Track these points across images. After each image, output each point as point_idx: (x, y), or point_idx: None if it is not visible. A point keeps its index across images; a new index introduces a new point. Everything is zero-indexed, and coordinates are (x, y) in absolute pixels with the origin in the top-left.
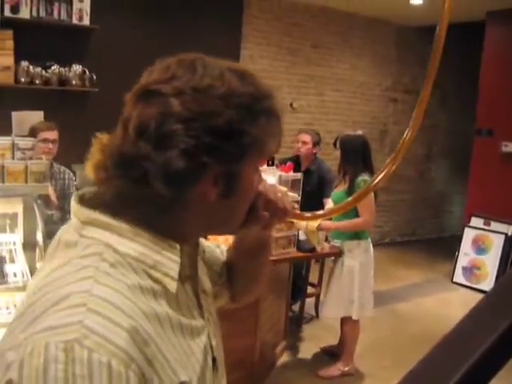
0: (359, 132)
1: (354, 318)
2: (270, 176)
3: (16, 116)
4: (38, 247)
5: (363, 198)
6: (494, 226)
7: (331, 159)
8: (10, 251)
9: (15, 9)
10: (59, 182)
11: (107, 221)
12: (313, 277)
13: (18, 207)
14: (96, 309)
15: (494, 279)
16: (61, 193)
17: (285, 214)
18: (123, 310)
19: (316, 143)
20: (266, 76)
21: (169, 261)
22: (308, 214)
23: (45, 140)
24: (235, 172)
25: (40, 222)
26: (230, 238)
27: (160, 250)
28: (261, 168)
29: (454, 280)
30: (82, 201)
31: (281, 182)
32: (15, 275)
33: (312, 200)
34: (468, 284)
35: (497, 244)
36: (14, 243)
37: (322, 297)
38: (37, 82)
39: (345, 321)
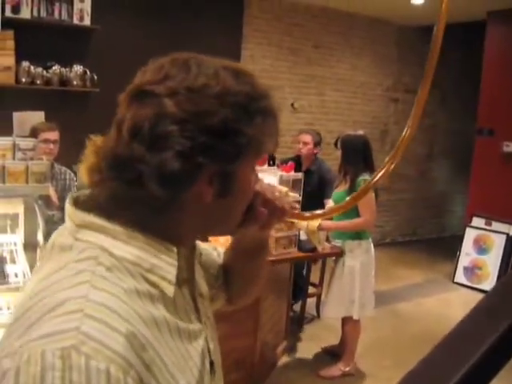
0: (360, 132)
1: (355, 317)
2: (271, 176)
3: (17, 116)
4: (38, 248)
5: (363, 197)
6: (496, 225)
7: (332, 159)
8: (11, 251)
9: (16, 9)
10: (60, 183)
11: (101, 223)
12: (314, 277)
13: (18, 208)
14: (93, 314)
15: (495, 279)
16: (62, 193)
17: (283, 214)
18: (120, 315)
19: (317, 143)
20: (267, 76)
21: (166, 264)
22: (307, 214)
23: (46, 140)
24: (231, 172)
25: (41, 223)
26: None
27: (156, 253)
28: (259, 168)
29: (455, 280)
30: (77, 203)
31: (282, 181)
32: (16, 275)
33: (312, 200)
34: (469, 284)
35: (498, 244)
36: (15, 244)
37: (323, 297)
38: (38, 82)
39: (346, 321)
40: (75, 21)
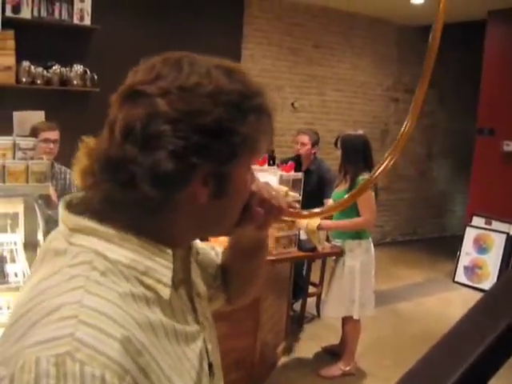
0: (360, 131)
1: (355, 317)
2: (271, 175)
3: (17, 116)
4: (38, 247)
5: (361, 194)
6: (496, 225)
7: (332, 159)
8: (11, 251)
9: (16, 9)
10: (60, 182)
11: (94, 226)
12: (314, 276)
13: (18, 207)
14: (87, 320)
15: (495, 279)
16: (62, 193)
17: (280, 213)
18: (115, 320)
19: (315, 143)
20: (267, 76)
21: (161, 267)
22: (305, 212)
23: (46, 140)
24: (226, 172)
25: (41, 222)
26: None
27: (151, 256)
28: (260, 167)
29: (456, 279)
30: (70, 207)
31: (282, 181)
32: (16, 275)
33: (312, 200)
34: (469, 283)
35: (498, 243)
36: (15, 243)
37: (323, 296)
38: (38, 82)
39: (346, 320)
40: (75, 21)
